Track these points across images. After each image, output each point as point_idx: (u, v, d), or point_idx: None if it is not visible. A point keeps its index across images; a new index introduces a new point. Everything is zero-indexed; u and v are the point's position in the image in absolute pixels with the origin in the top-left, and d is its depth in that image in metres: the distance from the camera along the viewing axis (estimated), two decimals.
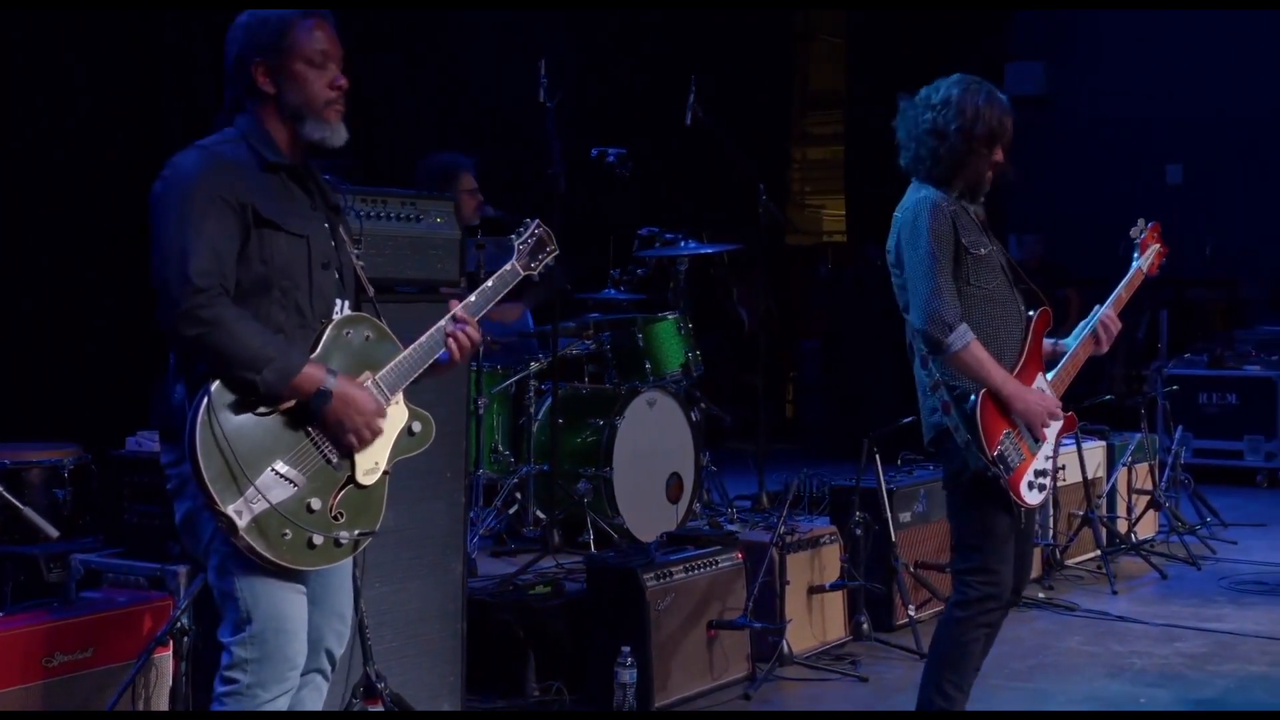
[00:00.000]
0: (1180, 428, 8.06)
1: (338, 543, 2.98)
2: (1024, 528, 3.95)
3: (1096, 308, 4.07)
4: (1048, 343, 4.02)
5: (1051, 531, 6.79)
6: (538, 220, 3.49)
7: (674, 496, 6.30)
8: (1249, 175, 11.84)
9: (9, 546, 4.55)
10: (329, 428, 2.95)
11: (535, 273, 3.46)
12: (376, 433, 3.02)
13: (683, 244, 6.77)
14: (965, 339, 3.72)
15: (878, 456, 5.68)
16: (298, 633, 3.00)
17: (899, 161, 3.95)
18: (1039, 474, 3.85)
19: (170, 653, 3.83)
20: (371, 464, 3.05)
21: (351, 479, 3.01)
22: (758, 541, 5.30)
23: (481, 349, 5.67)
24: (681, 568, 4.92)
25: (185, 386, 2.94)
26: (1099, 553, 6.85)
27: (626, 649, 4.56)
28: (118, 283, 6.58)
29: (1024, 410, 3.80)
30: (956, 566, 3.97)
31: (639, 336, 6.47)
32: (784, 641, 5.15)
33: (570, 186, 5.93)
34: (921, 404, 3.94)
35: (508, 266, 3.38)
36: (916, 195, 3.86)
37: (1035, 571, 6.44)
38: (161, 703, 3.84)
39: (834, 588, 5.53)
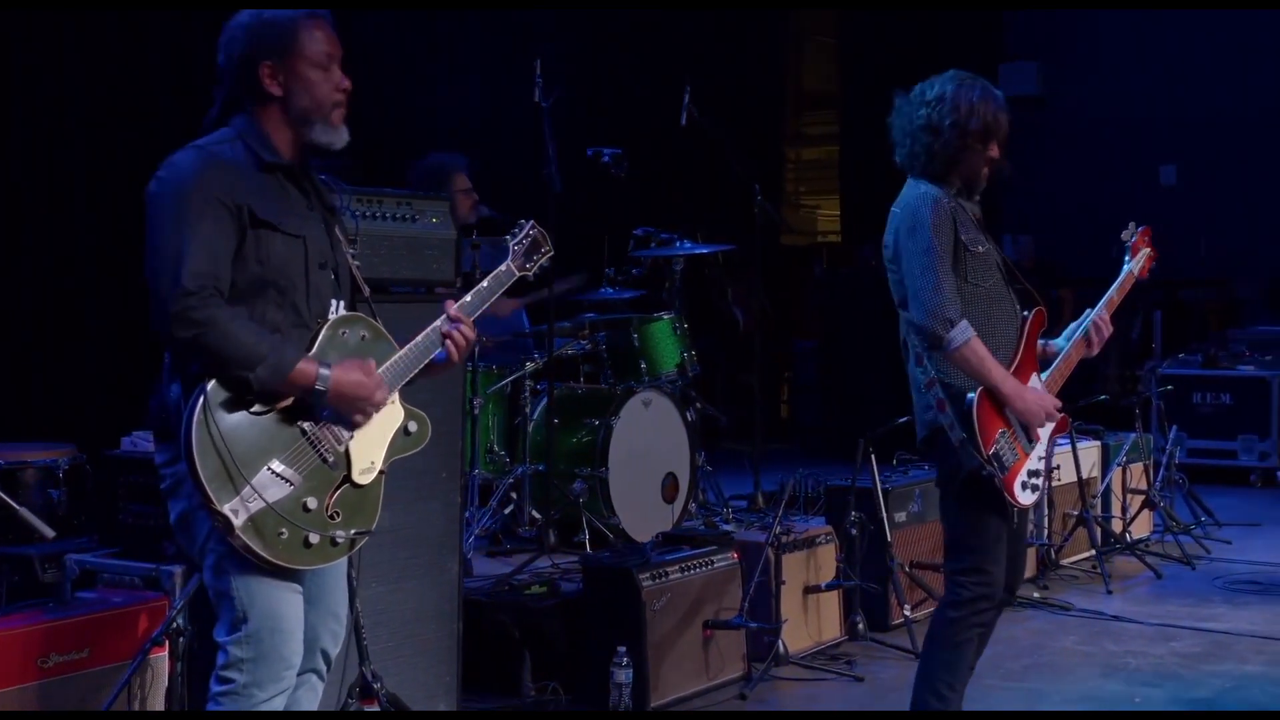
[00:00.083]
0: (1175, 427, 8.07)
1: (334, 542, 2.98)
2: (1016, 528, 3.95)
3: (1088, 310, 4.06)
4: (1039, 343, 4.01)
5: (1046, 531, 6.80)
6: (532, 221, 3.50)
7: (669, 496, 6.30)
8: (1243, 176, 11.86)
9: (4, 547, 4.56)
10: (337, 418, 2.97)
11: (530, 274, 3.46)
12: (379, 405, 3.03)
13: (678, 244, 6.77)
14: (966, 335, 3.70)
15: (873, 456, 5.69)
16: (294, 632, 3.00)
17: (894, 158, 3.94)
18: (1032, 474, 3.84)
19: (166, 653, 3.83)
20: (368, 463, 3.05)
21: (348, 478, 3.01)
22: (753, 541, 5.31)
23: (476, 349, 5.68)
24: (677, 568, 4.92)
25: (180, 386, 2.93)
26: (1094, 552, 6.86)
27: (622, 649, 4.56)
28: (113, 283, 6.58)
29: (1022, 409, 3.78)
30: (949, 567, 3.96)
31: (634, 336, 6.48)
32: (779, 641, 5.15)
33: (566, 186, 5.93)
34: (915, 402, 3.92)
35: (503, 267, 3.39)
36: (916, 190, 3.84)
37: (1030, 571, 6.46)
38: (157, 703, 3.84)
39: (829, 588, 5.53)
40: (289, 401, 2.93)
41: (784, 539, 5.31)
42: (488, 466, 6.12)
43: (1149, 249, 4.25)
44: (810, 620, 5.48)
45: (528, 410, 6.16)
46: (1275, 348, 10.24)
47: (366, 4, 7.66)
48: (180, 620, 3.80)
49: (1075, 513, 6.91)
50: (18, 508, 3.03)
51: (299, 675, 3.07)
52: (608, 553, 5.42)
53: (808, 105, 15.00)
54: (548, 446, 6.01)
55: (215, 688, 2.97)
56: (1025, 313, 3.96)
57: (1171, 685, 5.09)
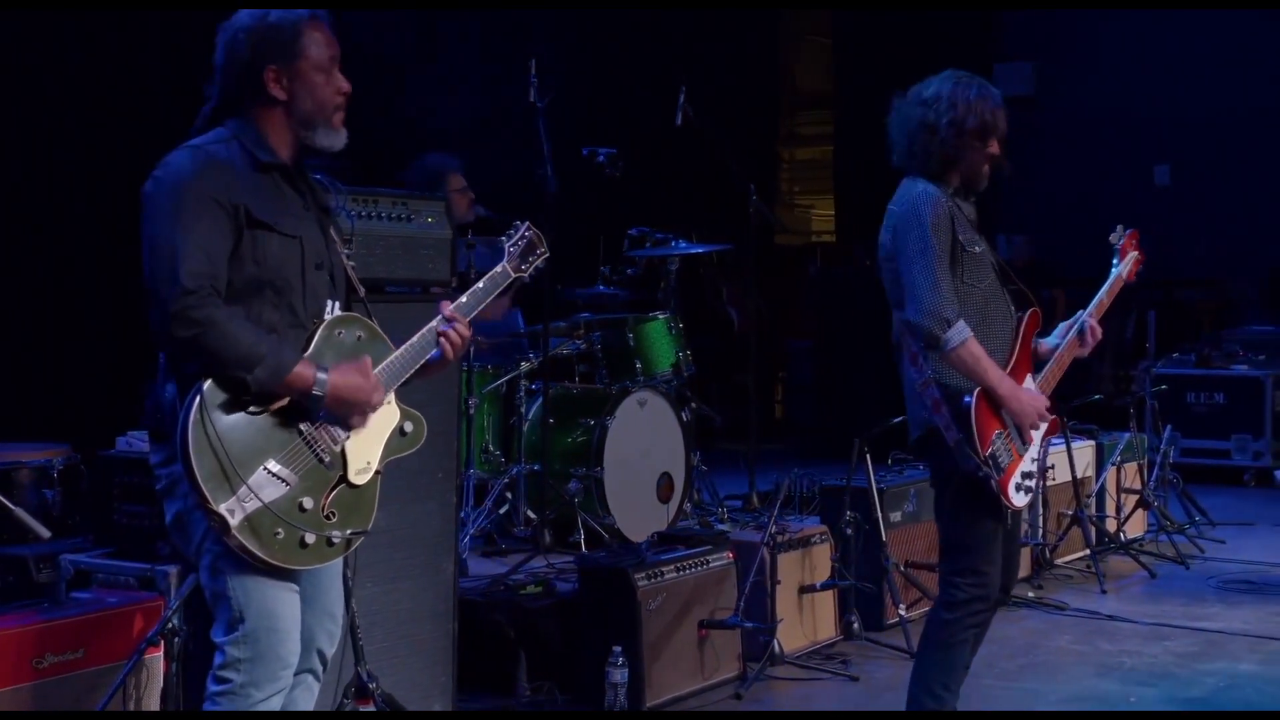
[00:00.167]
0: (1169, 427, 8.08)
1: (330, 542, 2.98)
2: (1011, 528, 3.95)
3: (1080, 313, 4.05)
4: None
5: (1041, 531, 6.81)
6: (527, 223, 3.50)
7: (665, 496, 6.30)
8: (1237, 176, 11.88)
9: None
10: (335, 420, 2.97)
11: (525, 275, 3.47)
12: (376, 406, 3.03)
13: (673, 244, 6.77)
14: (963, 335, 3.69)
15: (868, 456, 5.69)
16: (290, 632, 3.00)
17: (891, 159, 3.92)
18: (1025, 475, 3.83)
19: (161, 653, 3.82)
20: (363, 464, 3.06)
21: (344, 478, 3.02)
22: (748, 541, 5.31)
23: (471, 349, 5.68)
24: (673, 567, 4.92)
25: (175, 386, 2.93)
26: (1088, 552, 6.86)
27: (618, 649, 4.56)
28: (108, 283, 6.57)
29: (1018, 410, 3.78)
30: (944, 568, 3.95)
31: (630, 336, 6.47)
32: (775, 641, 5.15)
33: (561, 186, 5.93)
34: (908, 401, 3.91)
35: (498, 269, 3.40)
36: (914, 189, 3.82)
37: (1025, 571, 6.47)
38: (153, 703, 3.83)
39: (825, 587, 5.53)
40: (285, 401, 2.93)
41: (779, 539, 5.31)
42: (483, 466, 6.12)
43: (1136, 251, 4.26)
44: (805, 620, 5.48)
45: (523, 410, 6.16)
46: (1269, 347, 10.27)
47: (361, 4, 7.65)
48: (175, 620, 3.80)
49: (1070, 512, 6.92)
50: (13, 508, 3.04)
51: (295, 675, 3.07)
52: (603, 552, 5.43)
53: (802, 105, 15.00)
54: (543, 446, 6.01)
55: (212, 688, 2.97)
56: (1020, 313, 3.96)
57: (1166, 684, 5.10)
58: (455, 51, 8.76)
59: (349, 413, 2.98)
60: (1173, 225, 11.39)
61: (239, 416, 2.87)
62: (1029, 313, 3.95)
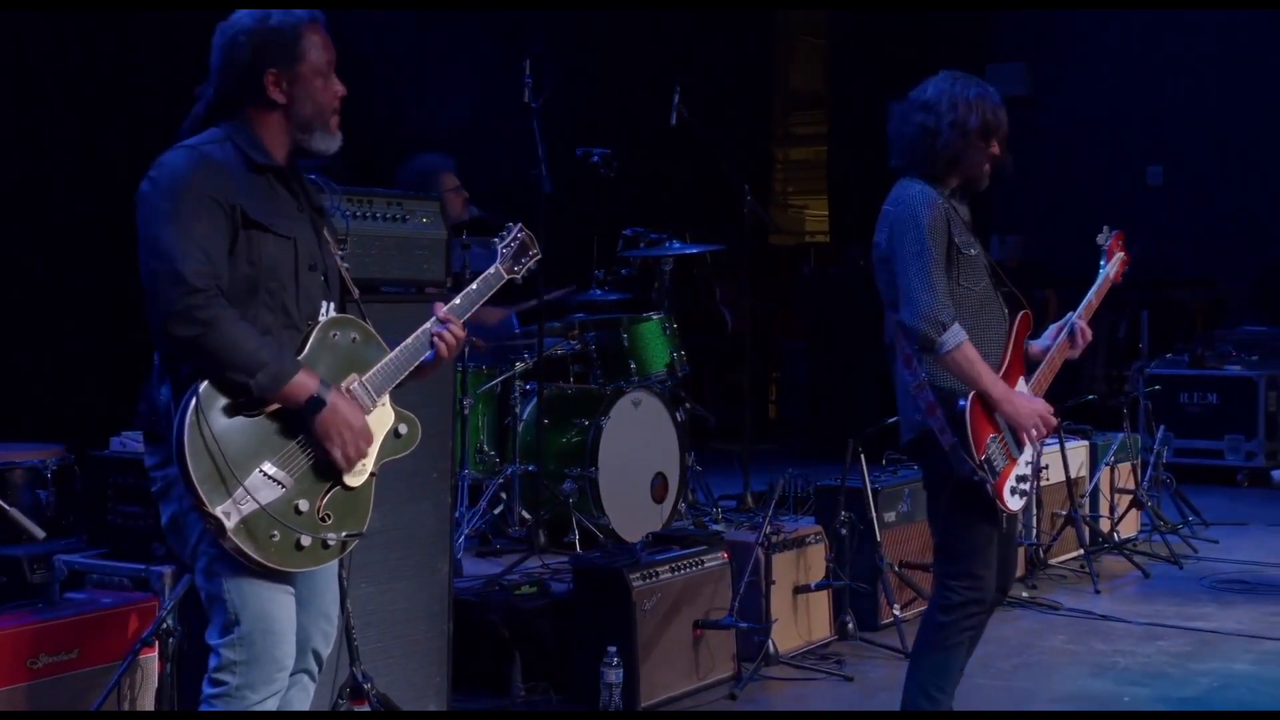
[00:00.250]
0: (1162, 427, 8.10)
1: (325, 544, 2.98)
2: (1008, 530, 3.94)
3: (1069, 314, 4.04)
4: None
5: (1035, 531, 6.81)
6: (520, 225, 3.51)
7: (659, 496, 6.30)
8: (1229, 176, 11.91)
9: None
10: (316, 438, 2.94)
11: (518, 276, 3.48)
12: (361, 455, 3.00)
13: (668, 244, 6.77)
14: (958, 339, 3.67)
15: (862, 456, 5.70)
16: (286, 634, 2.99)
17: (889, 162, 3.90)
18: (1020, 479, 3.81)
19: (156, 654, 3.82)
20: (359, 466, 3.05)
21: (339, 480, 3.01)
22: (743, 541, 5.31)
23: (466, 349, 5.68)
24: (667, 568, 4.92)
25: (170, 388, 2.93)
26: (1082, 552, 6.88)
27: (612, 649, 4.56)
28: (102, 283, 6.56)
29: (1012, 414, 3.75)
30: (939, 571, 3.94)
31: (624, 336, 6.47)
32: (769, 641, 5.15)
33: (555, 187, 5.93)
34: (901, 403, 3.89)
35: (491, 270, 3.40)
36: (911, 190, 3.79)
37: (1019, 570, 6.46)
38: (147, 704, 3.83)
39: (819, 587, 5.54)
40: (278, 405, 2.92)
41: (774, 539, 5.32)
42: (477, 467, 6.12)
43: (1123, 252, 4.24)
44: (800, 620, 5.49)
45: (517, 410, 6.15)
46: (1262, 348, 10.29)
47: (356, 4, 7.65)
48: (170, 621, 3.80)
49: (1064, 512, 6.93)
50: (8, 508, 3.02)
51: (290, 676, 3.07)
52: (598, 553, 5.43)
53: (796, 105, 15.02)
54: (538, 447, 6.01)
55: (208, 690, 2.96)
56: (1012, 316, 3.94)
57: (1160, 684, 5.11)
58: (450, 52, 8.75)
59: (334, 438, 2.93)
60: (1166, 226, 11.43)
61: (235, 418, 2.86)
62: (1021, 315, 3.93)
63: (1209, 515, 8.06)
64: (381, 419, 3.11)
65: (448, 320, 3.19)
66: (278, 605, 2.97)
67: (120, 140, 6.62)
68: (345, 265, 3.25)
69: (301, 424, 2.93)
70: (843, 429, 5.86)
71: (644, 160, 9.08)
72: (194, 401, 2.82)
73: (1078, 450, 7.28)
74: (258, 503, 2.86)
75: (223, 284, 2.89)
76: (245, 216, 2.95)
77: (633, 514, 6.12)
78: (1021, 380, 3.92)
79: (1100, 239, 4.25)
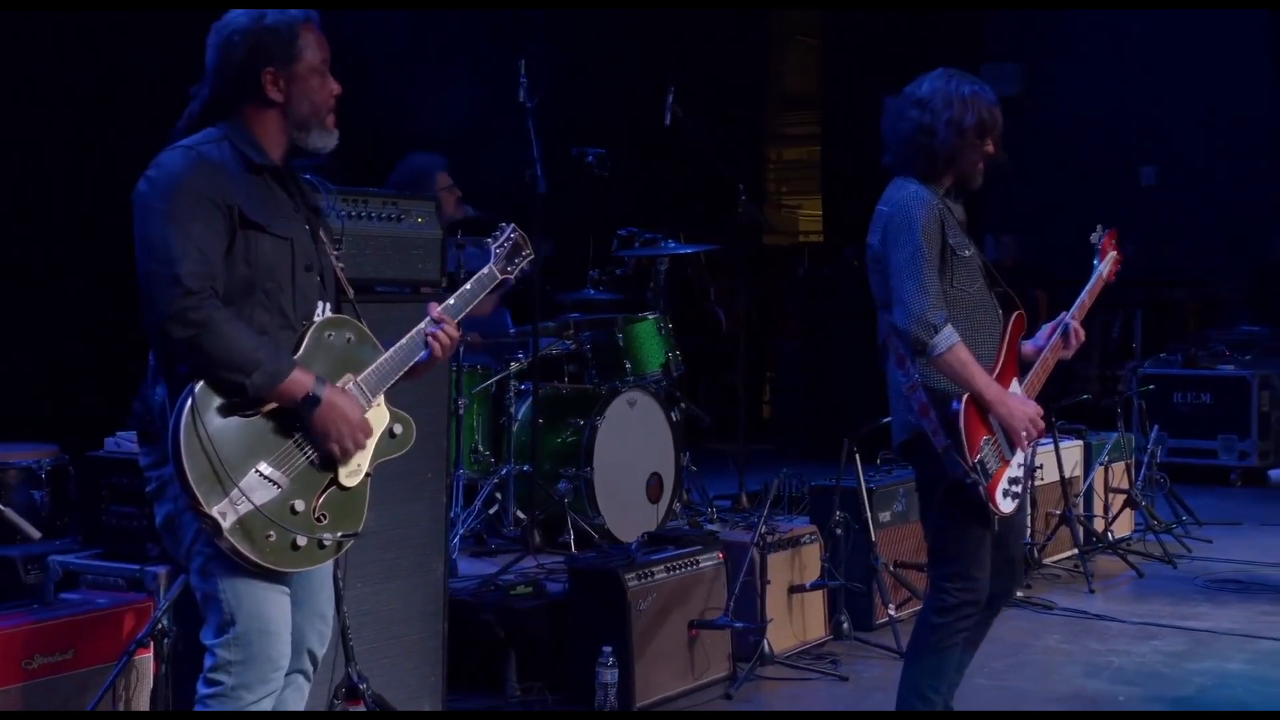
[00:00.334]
0: (1156, 427, 8.11)
1: (321, 544, 2.98)
2: (1012, 530, 3.92)
3: (1063, 314, 4.02)
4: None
5: (1029, 530, 6.81)
6: (513, 225, 3.51)
7: (654, 496, 6.30)
8: (1222, 176, 11.92)
9: None
10: (315, 434, 2.95)
11: (512, 276, 3.48)
12: (360, 446, 3.01)
13: (662, 244, 6.77)
14: (950, 341, 3.65)
15: (857, 456, 5.70)
16: (282, 634, 2.99)
17: (883, 161, 3.88)
18: (1013, 481, 3.79)
19: (151, 654, 3.82)
20: (354, 465, 3.05)
21: (334, 480, 3.01)
22: (738, 541, 5.31)
23: (461, 349, 5.67)
24: (662, 568, 4.92)
25: (166, 388, 2.93)
26: (1076, 551, 6.88)
27: (608, 649, 4.56)
28: (96, 283, 6.55)
29: (1005, 416, 3.73)
30: (933, 573, 3.93)
31: (619, 336, 6.47)
32: (765, 641, 5.16)
33: (550, 186, 5.93)
34: (893, 405, 3.88)
35: (485, 270, 3.40)
36: (905, 190, 3.78)
37: None
38: (142, 704, 3.82)
39: (814, 587, 5.54)
40: (275, 404, 2.92)
41: (769, 539, 5.32)
42: (472, 467, 6.11)
43: (1115, 251, 4.24)
44: (795, 620, 5.49)
45: (512, 410, 6.15)
46: (1255, 347, 10.32)
47: (352, 3, 7.64)
48: (165, 621, 3.79)
49: (1058, 512, 6.94)
50: (3, 509, 3.02)
51: (286, 676, 3.07)
52: (593, 553, 5.43)
53: (789, 105, 15.02)
54: (533, 446, 6.01)
55: (203, 690, 2.96)
56: (1006, 317, 3.93)
57: (1154, 684, 5.11)
58: (444, 52, 8.75)
59: (333, 433, 2.95)
60: (1159, 226, 11.44)
61: (231, 419, 2.86)
62: (1015, 316, 3.91)
63: (1202, 515, 8.07)
64: (376, 419, 3.11)
65: (442, 320, 3.19)
66: (273, 605, 2.97)
67: (116, 140, 6.60)
68: (340, 265, 3.25)
69: (298, 423, 2.93)
70: (837, 429, 5.87)
71: (639, 160, 9.08)
72: (190, 401, 2.82)
73: (1072, 450, 7.29)
74: (254, 503, 2.86)
75: (218, 285, 2.88)
76: (242, 217, 2.95)
77: (628, 514, 6.12)
78: (1015, 381, 3.91)
79: (1093, 238, 4.24)
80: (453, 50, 8.77)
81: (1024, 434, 3.78)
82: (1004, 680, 5.13)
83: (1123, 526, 7.54)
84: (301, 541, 2.93)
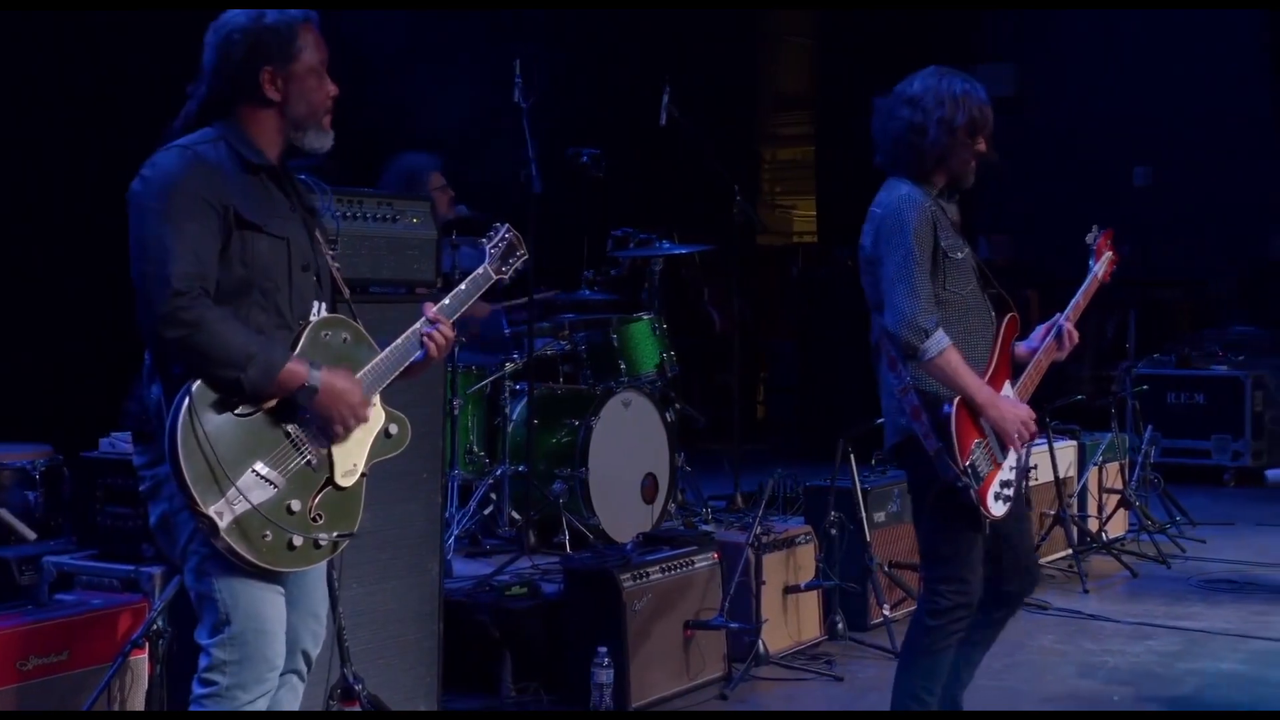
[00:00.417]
0: (1150, 427, 8.12)
1: (317, 544, 2.98)
2: (1019, 527, 3.89)
3: (1057, 315, 4.01)
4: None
5: None
6: (507, 225, 3.52)
7: (649, 497, 6.30)
8: (1215, 177, 11.94)
9: None
10: (316, 420, 2.95)
11: (506, 277, 3.49)
12: (362, 420, 3.02)
13: (657, 244, 6.77)
14: (941, 345, 3.63)
15: (852, 456, 5.70)
16: (277, 634, 2.99)
17: (875, 160, 3.86)
18: (1004, 484, 3.78)
19: (146, 655, 3.81)
20: (350, 465, 3.05)
21: (330, 480, 3.01)
22: (733, 541, 5.32)
23: (456, 349, 5.67)
24: (658, 568, 4.92)
25: (161, 387, 2.92)
26: (1070, 551, 6.89)
27: (603, 649, 4.56)
28: (91, 283, 6.54)
29: (997, 419, 3.72)
30: (926, 575, 3.92)
31: (614, 337, 6.47)
32: (760, 641, 5.15)
33: (545, 187, 5.93)
34: (885, 406, 3.86)
35: (480, 270, 3.41)
36: (897, 192, 3.76)
37: None
38: (137, 705, 3.82)
39: (809, 587, 5.54)
40: (273, 403, 2.92)
41: (764, 539, 5.31)
42: (467, 467, 6.11)
43: (1111, 251, 4.23)
44: (790, 620, 5.49)
45: (507, 410, 6.15)
46: (1248, 347, 10.34)
47: (347, 3, 7.64)
48: (160, 622, 3.79)
49: (1052, 512, 6.94)
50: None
51: (280, 676, 3.06)
52: (588, 553, 5.43)
53: (783, 105, 15.03)
54: (528, 447, 6.01)
55: (198, 690, 2.95)
56: (999, 319, 3.92)
57: (1148, 684, 5.12)
58: (439, 52, 8.74)
59: (335, 416, 2.97)
60: (1152, 226, 11.45)
61: (227, 418, 2.86)
62: (1008, 318, 3.90)
63: (1196, 515, 8.09)
64: (372, 419, 3.11)
65: (437, 320, 3.20)
66: (269, 605, 2.97)
67: (115, 140, 6.60)
68: (336, 265, 3.25)
69: (295, 417, 2.93)
70: (832, 429, 5.87)
71: (633, 160, 9.08)
72: (187, 401, 2.82)
73: (1066, 450, 7.30)
74: (250, 503, 2.85)
75: (210, 286, 2.88)
76: (238, 217, 2.95)
77: (623, 514, 6.12)
78: (1008, 384, 3.89)
79: (1089, 238, 4.23)
80: (451, 50, 8.76)
81: (1016, 437, 3.77)
82: (999, 680, 5.13)
83: (1117, 527, 7.55)
84: (298, 541, 2.93)
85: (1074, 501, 7.26)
